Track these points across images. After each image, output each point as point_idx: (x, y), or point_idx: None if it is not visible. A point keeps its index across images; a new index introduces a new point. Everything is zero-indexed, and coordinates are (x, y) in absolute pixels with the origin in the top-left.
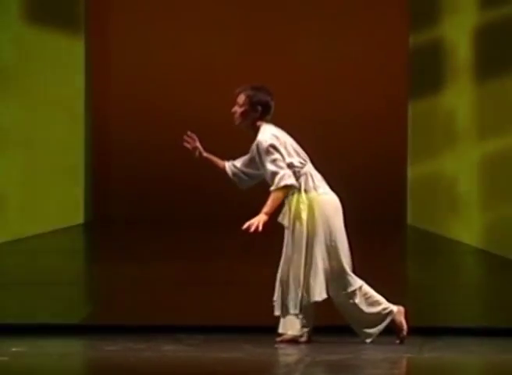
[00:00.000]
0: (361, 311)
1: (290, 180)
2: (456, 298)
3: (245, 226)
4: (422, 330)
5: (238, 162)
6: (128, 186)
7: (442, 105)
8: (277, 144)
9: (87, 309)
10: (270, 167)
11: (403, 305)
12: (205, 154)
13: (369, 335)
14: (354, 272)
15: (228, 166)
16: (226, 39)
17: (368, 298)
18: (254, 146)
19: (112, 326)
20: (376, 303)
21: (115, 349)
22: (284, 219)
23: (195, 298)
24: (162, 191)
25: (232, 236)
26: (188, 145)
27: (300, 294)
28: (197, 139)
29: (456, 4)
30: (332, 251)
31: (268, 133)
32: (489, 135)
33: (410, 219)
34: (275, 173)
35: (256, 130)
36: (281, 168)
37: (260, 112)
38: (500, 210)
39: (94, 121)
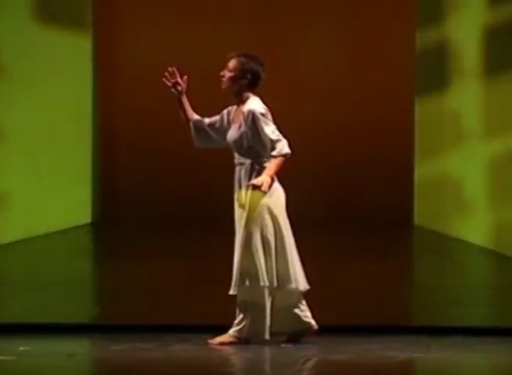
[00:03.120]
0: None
1: (289, 149)
2: (464, 298)
3: (254, 182)
4: (429, 329)
5: (206, 121)
6: (135, 186)
7: (449, 105)
8: (269, 116)
9: (95, 309)
10: (271, 135)
11: (409, 306)
12: (184, 97)
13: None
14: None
15: (196, 120)
16: (234, 39)
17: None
18: (246, 115)
19: (119, 326)
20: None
21: (121, 349)
22: (242, 196)
23: (202, 298)
24: (169, 191)
25: None
26: (168, 82)
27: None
28: (178, 74)
29: (463, 3)
30: (265, 241)
31: (260, 104)
32: (496, 135)
33: (417, 219)
34: (277, 141)
35: (242, 99)
36: (281, 136)
37: (249, 80)
38: (507, 210)
39: (101, 121)
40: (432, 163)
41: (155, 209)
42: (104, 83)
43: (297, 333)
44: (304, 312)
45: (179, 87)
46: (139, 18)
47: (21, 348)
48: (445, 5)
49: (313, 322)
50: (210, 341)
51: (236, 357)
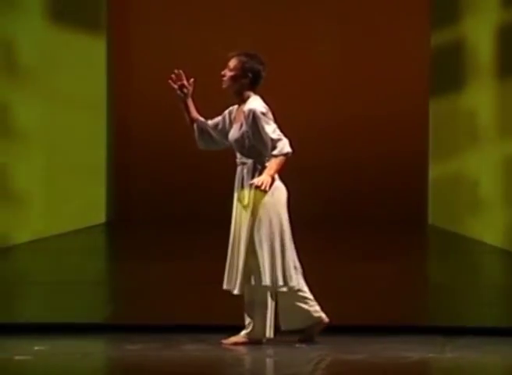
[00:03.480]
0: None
1: (290, 148)
2: (478, 298)
3: (254, 181)
4: (444, 329)
5: (209, 122)
6: (149, 186)
7: (464, 104)
8: (270, 115)
9: (109, 308)
10: (272, 134)
11: (423, 306)
12: (189, 100)
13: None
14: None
15: (200, 121)
16: (248, 39)
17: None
18: (247, 115)
19: (134, 326)
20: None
21: (136, 348)
22: (245, 195)
23: (216, 298)
24: (183, 191)
25: None
26: (174, 84)
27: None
28: (184, 77)
29: (478, 3)
30: (269, 240)
31: (261, 103)
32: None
33: (431, 219)
34: (278, 140)
35: (243, 98)
36: (282, 135)
37: (250, 79)
38: None
39: (116, 121)
40: (446, 163)
41: (170, 209)
42: (118, 84)
43: (310, 330)
44: (314, 307)
45: (184, 90)
46: (152, 18)
47: (36, 348)
48: (460, 4)
49: (323, 315)
50: (224, 341)
51: (249, 357)
